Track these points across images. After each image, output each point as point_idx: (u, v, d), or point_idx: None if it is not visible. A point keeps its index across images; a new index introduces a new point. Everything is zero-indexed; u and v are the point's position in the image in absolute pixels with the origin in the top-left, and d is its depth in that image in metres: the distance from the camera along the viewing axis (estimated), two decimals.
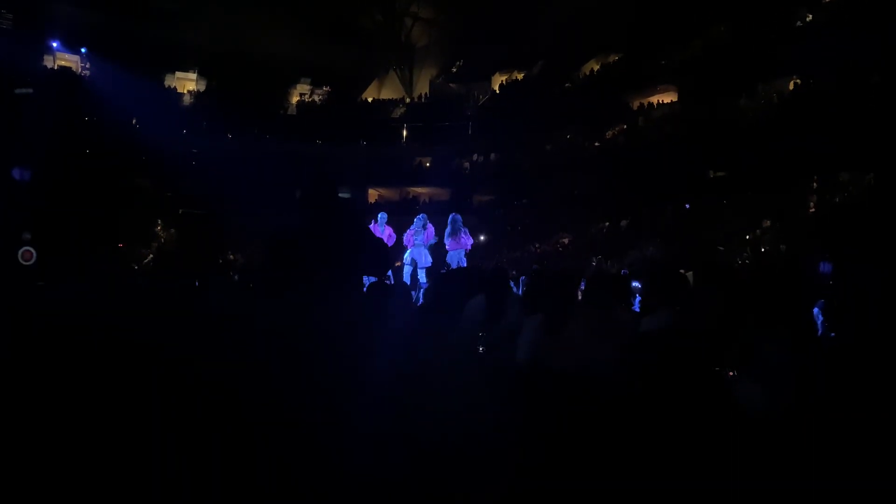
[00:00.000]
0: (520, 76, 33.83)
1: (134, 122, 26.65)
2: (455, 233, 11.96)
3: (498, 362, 3.51)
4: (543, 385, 2.62)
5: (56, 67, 28.88)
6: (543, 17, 29.16)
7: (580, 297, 3.66)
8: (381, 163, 32.37)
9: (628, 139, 26.52)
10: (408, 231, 12.19)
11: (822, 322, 5.40)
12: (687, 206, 21.33)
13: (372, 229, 10.49)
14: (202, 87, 33.91)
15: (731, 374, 2.75)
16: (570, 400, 2.30)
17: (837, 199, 17.43)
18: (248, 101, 30.99)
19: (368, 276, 4.68)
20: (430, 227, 12.20)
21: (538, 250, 24.53)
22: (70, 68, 29.25)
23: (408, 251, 12.05)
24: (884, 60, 17.19)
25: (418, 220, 12.24)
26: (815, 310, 5.63)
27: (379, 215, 12.28)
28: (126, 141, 24.35)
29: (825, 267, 11.11)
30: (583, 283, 4.36)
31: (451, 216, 12.25)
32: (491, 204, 30.60)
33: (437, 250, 12.38)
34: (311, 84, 36.10)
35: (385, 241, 11.65)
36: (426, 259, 11.94)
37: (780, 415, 2.41)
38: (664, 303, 3.57)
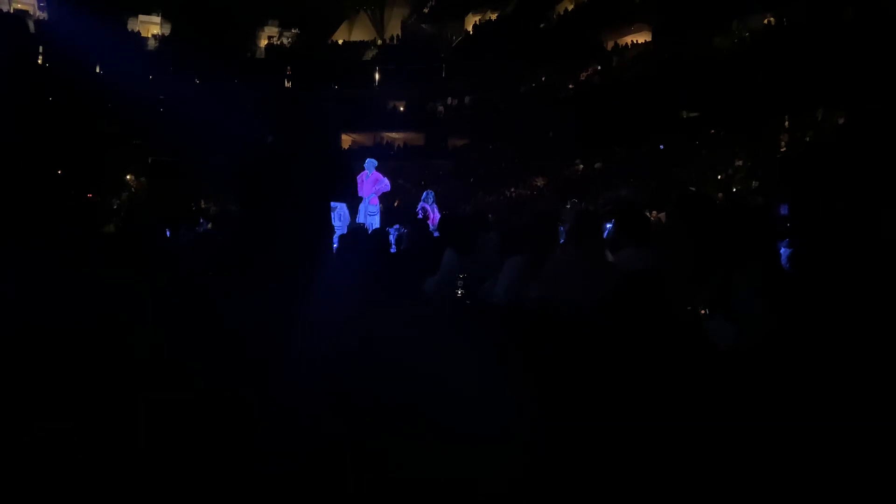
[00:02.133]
0: (493, 16, 33.18)
1: (97, 68, 25.79)
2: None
3: (477, 303, 3.58)
4: (523, 323, 2.68)
5: (11, 10, 27.72)
6: None
7: (567, 237, 3.72)
8: (354, 107, 31.78)
9: (603, 79, 26.33)
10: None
11: (788, 258, 5.53)
12: (661, 146, 21.39)
13: (360, 178, 10.46)
14: (167, 31, 32.85)
15: (703, 311, 2.83)
16: (551, 337, 2.37)
17: (808, 139, 17.57)
18: (215, 44, 30.08)
19: (335, 200, 4.57)
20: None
21: (513, 193, 24.52)
22: (27, 11, 28.10)
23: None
24: None
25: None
26: (782, 248, 5.76)
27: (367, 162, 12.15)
28: (90, 88, 23.57)
29: (785, 208, 11.28)
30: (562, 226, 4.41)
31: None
32: (466, 147, 30.37)
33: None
34: (279, 26, 35.14)
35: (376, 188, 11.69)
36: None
37: (750, 349, 2.50)
38: (630, 242, 3.64)
